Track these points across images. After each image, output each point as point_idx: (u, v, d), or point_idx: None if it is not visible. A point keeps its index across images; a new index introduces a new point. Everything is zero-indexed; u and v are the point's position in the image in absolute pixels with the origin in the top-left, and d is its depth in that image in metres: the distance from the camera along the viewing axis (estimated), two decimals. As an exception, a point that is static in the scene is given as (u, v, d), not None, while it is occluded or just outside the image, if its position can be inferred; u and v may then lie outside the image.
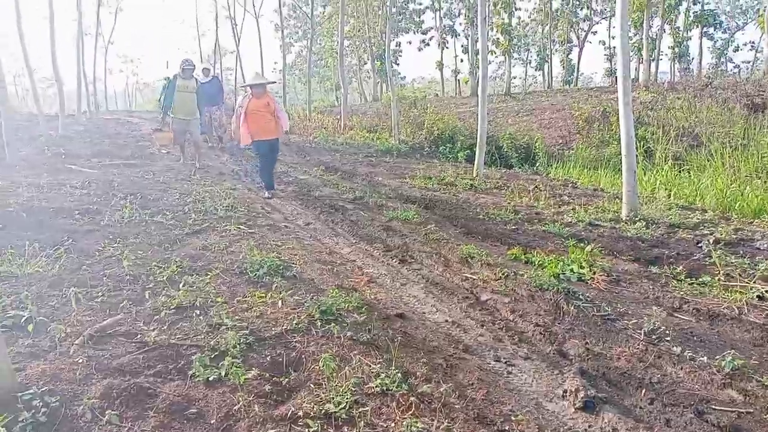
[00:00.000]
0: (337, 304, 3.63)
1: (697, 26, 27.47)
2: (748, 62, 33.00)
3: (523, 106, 20.44)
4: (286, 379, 2.78)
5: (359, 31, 29.32)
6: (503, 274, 4.66)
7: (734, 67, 34.15)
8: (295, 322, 3.35)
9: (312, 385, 2.73)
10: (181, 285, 3.82)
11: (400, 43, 35.09)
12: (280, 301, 3.64)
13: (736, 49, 35.64)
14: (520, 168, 12.49)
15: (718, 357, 3.25)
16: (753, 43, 33.79)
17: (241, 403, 2.52)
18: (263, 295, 3.74)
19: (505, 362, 3.27)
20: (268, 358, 2.96)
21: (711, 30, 31.05)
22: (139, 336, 3.12)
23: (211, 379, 2.71)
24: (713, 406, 2.81)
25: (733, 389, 2.99)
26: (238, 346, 3.00)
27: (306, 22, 32.53)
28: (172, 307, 3.50)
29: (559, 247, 5.59)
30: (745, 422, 2.70)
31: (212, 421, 2.43)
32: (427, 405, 2.66)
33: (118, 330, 3.18)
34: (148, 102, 43.60)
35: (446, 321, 3.82)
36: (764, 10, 19.36)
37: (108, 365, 2.78)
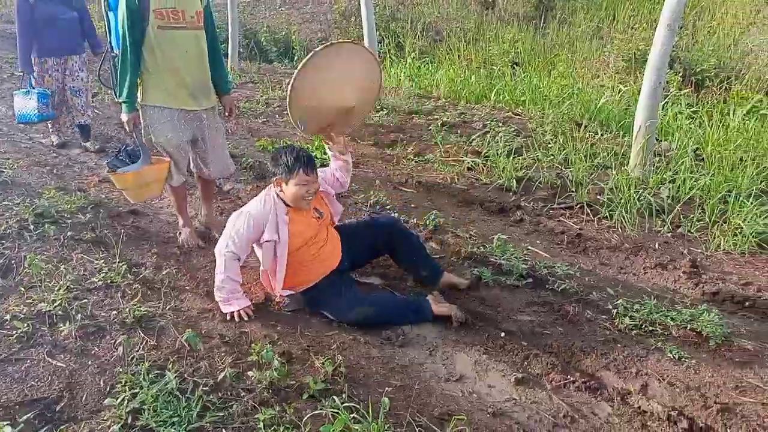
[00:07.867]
0: (57, 206, 3.34)
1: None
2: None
3: (285, -2, 19.78)
4: (-8, 289, 2.54)
5: None
6: (248, 164, 4.73)
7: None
8: (2, 228, 3.01)
9: (23, 289, 2.54)
10: None
11: None
12: (-18, 209, 3.22)
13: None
14: (279, 62, 12.31)
15: (425, 218, 3.82)
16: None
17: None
18: (-40, 205, 3.26)
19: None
20: (-34, 271, 2.66)
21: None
22: None
23: None
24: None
25: (434, 242, 3.57)
26: (-76, 262, 2.63)
27: None
28: None
29: (306, 135, 5.79)
30: (440, 264, 3.27)
31: None
32: (155, 291, 2.69)
33: None
34: None
35: (185, 212, 3.78)
36: None
37: None
